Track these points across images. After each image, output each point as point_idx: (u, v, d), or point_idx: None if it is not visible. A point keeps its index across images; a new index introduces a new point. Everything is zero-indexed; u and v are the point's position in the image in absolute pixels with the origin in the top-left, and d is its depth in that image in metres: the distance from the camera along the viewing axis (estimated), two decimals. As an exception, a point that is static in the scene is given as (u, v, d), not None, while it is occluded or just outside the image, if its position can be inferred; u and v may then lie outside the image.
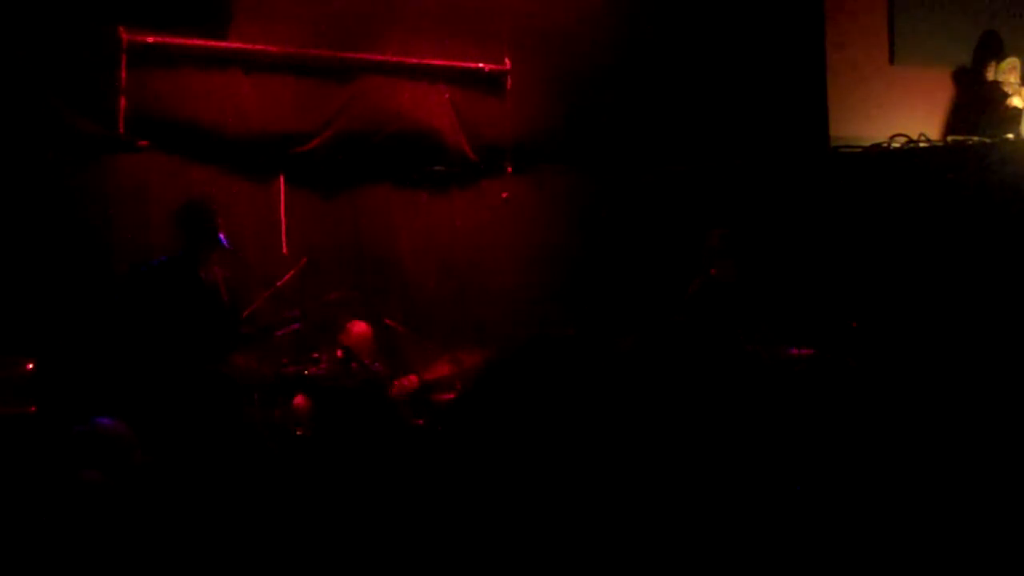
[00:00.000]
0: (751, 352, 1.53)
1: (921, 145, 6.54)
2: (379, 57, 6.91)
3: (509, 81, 7.27)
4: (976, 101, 7.56)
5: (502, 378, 1.53)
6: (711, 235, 5.90)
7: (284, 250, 6.57)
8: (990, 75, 7.54)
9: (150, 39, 6.21)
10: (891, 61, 7.77)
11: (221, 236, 5.52)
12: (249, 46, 6.53)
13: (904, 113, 7.33)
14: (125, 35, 6.14)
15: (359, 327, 6.25)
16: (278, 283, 6.00)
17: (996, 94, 7.46)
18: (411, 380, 6.32)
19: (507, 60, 7.26)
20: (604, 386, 1.45)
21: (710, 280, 5.83)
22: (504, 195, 7.28)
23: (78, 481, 2.84)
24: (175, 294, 5.36)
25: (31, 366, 5.34)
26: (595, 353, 1.50)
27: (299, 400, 5.89)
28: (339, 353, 6.15)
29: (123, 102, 6.14)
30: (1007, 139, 6.93)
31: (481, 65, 7.21)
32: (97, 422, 3.43)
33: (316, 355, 6.11)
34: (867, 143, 6.67)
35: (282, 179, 6.72)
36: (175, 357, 5.28)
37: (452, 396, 6.15)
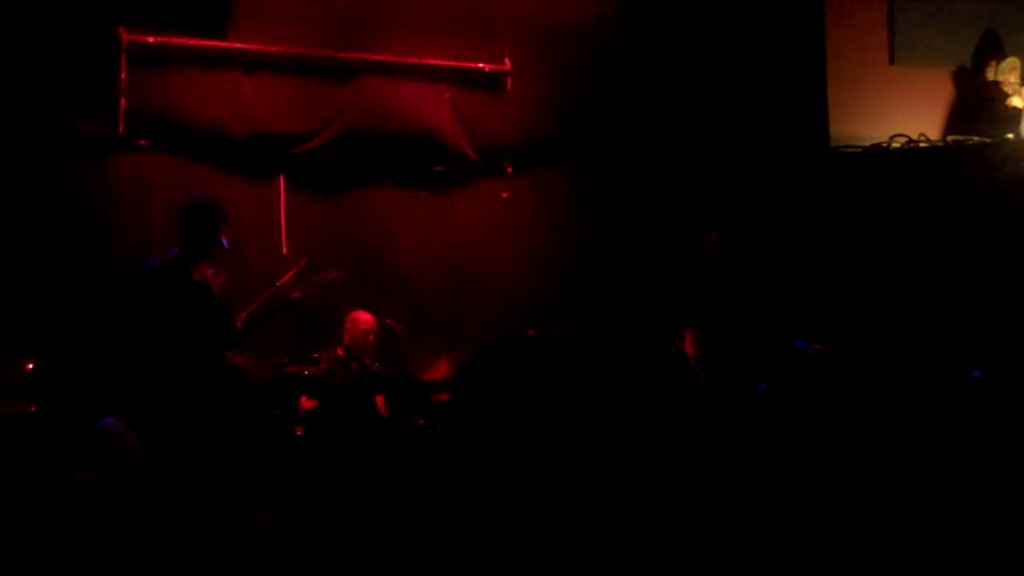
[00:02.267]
0: (679, 349, 1.53)
1: (921, 145, 6.53)
2: (379, 57, 6.92)
3: (509, 81, 7.27)
4: (976, 101, 7.56)
5: (473, 380, 1.54)
6: (706, 240, 5.88)
7: (284, 250, 6.57)
8: (990, 75, 7.54)
9: (150, 39, 6.21)
10: (891, 61, 7.77)
11: (223, 240, 5.51)
12: (249, 46, 6.53)
13: (904, 113, 7.33)
14: (125, 35, 6.14)
15: (362, 316, 6.26)
16: (278, 283, 6.00)
17: (996, 94, 7.46)
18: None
19: (507, 60, 7.26)
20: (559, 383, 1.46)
21: (714, 283, 5.83)
22: (504, 195, 7.28)
23: (71, 482, 2.84)
24: (167, 296, 5.35)
25: (31, 366, 5.34)
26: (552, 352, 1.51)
27: (302, 400, 5.88)
28: (340, 352, 6.16)
29: (123, 102, 6.14)
30: (1007, 139, 6.93)
31: (481, 65, 7.21)
32: (102, 422, 3.43)
33: (316, 355, 6.11)
34: (867, 143, 6.67)
35: (282, 179, 6.72)
36: (173, 358, 5.28)
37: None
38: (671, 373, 1.49)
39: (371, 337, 6.26)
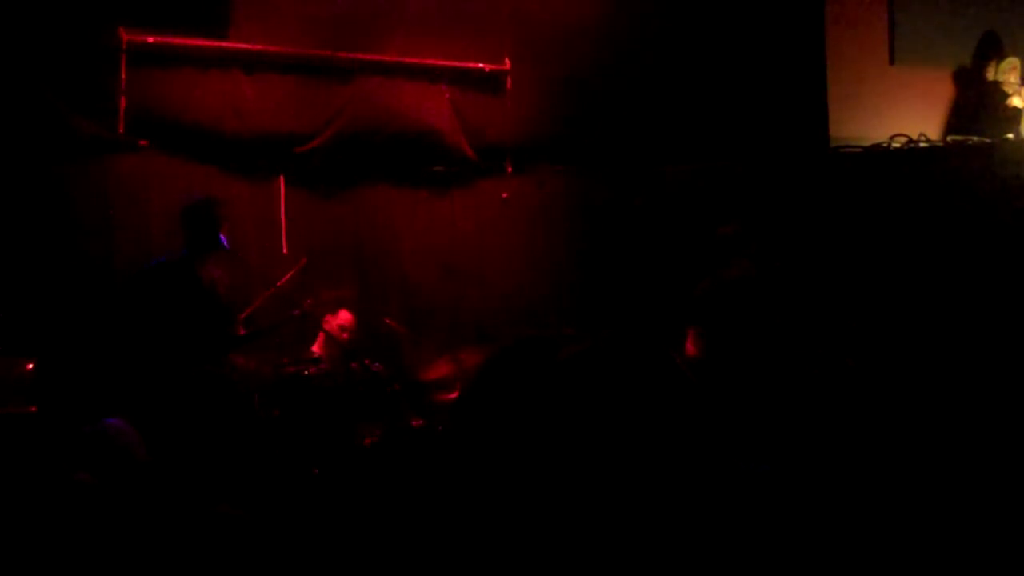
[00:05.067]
0: (680, 367, 1.52)
1: (921, 145, 6.53)
2: (379, 57, 6.92)
3: (509, 81, 7.27)
4: (976, 101, 7.56)
5: (493, 380, 1.54)
6: (724, 231, 5.82)
7: (284, 250, 6.58)
8: (990, 75, 7.54)
9: (150, 39, 6.21)
10: (891, 61, 7.77)
11: (222, 237, 5.52)
12: (249, 46, 6.53)
13: (904, 113, 7.33)
14: (125, 35, 6.14)
15: (344, 314, 6.30)
16: (278, 283, 6.00)
17: (996, 94, 7.46)
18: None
19: (507, 60, 7.27)
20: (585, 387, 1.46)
21: (718, 280, 5.81)
22: (504, 195, 7.28)
23: (71, 482, 2.84)
24: (175, 295, 5.37)
25: (31, 366, 5.34)
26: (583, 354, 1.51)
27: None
28: (320, 339, 6.18)
29: (123, 102, 6.14)
30: (1007, 139, 6.93)
31: (481, 65, 7.22)
32: (106, 423, 3.44)
33: (316, 355, 6.11)
34: (867, 143, 6.67)
35: (282, 179, 6.72)
36: (175, 358, 5.28)
37: (453, 396, 6.15)
38: (672, 383, 1.49)
39: (345, 335, 6.27)
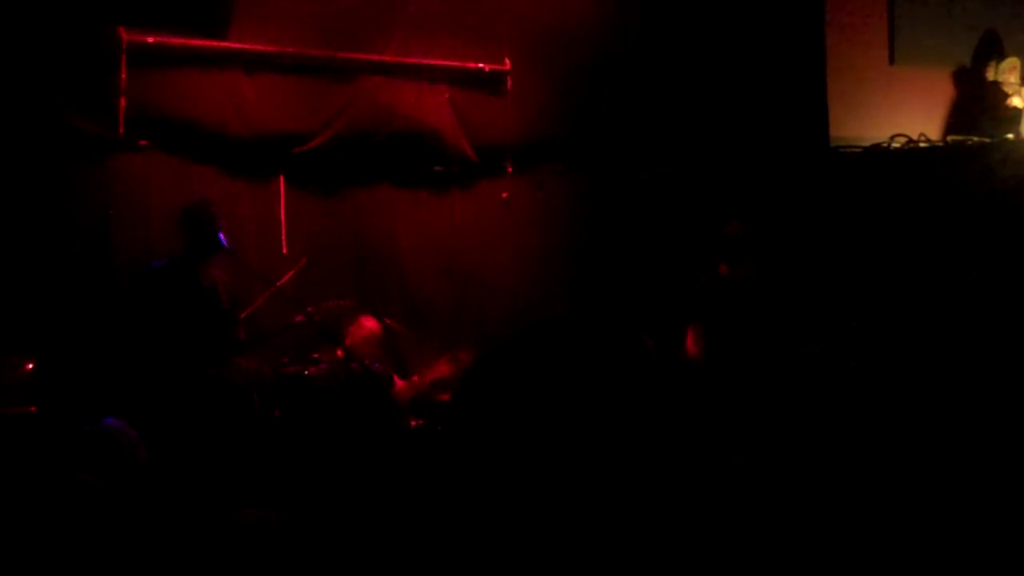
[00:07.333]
0: (653, 353, 1.51)
1: (921, 145, 6.54)
2: (379, 57, 6.92)
3: (509, 81, 7.27)
4: (976, 101, 7.57)
5: (484, 377, 1.54)
6: (732, 229, 5.77)
7: (284, 250, 6.58)
8: (990, 75, 7.54)
9: (150, 39, 6.21)
10: (891, 61, 7.78)
11: (222, 237, 5.53)
12: (249, 46, 6.53)
13: (904, 113, 7.33)
14: (125, 35, 6.14)
15: (369, 323, 6.28)
16: (278, 283, 6.00)
17: (996, 94, 7.46)
18: (414, 381, 6.34)
19: (507, 60, 7.27)
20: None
21: (717, 278, 5.81)
22: (504, 195, 7.28)
23: (72, 482, 2.84)
24: (175, 297, 5.37)
25: (31, 366, 5.34)
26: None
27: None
28: (339, 353, 6.16)
29: (123, 102, 6.14)
30: (1007, 139, 6.93)
31: (481, 65, 7.21)
32: (106, 422, 3.45)
33: (316, 355, 6.11)
34: (867, 143, 6.67)
35: (282, 179, 6.72)
36: (175, 359, 5.29)
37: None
38: (644, 373, 1.48)
39: (370, 347, 6.26)
